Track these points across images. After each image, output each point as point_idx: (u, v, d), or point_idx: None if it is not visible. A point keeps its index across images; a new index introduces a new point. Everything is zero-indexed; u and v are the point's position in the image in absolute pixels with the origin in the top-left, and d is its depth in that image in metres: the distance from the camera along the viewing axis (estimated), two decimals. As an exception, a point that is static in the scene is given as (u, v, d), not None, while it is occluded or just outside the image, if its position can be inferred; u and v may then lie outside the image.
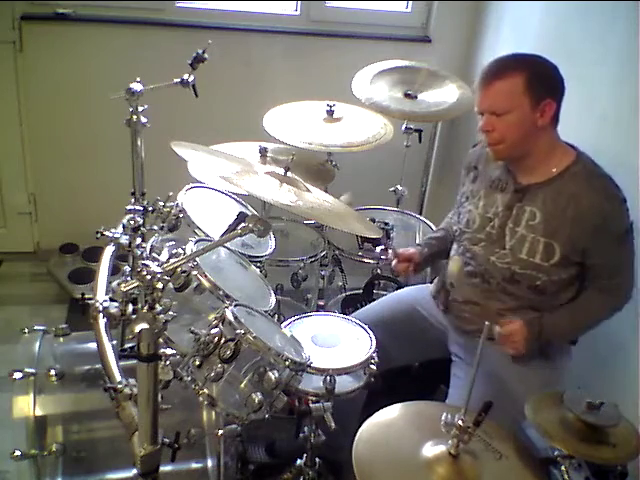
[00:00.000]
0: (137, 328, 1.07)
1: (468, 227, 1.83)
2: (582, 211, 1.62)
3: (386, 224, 2.40)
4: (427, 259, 2.02)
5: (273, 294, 1.69)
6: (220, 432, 1.47)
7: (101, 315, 1.33)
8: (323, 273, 2.41)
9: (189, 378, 1.35)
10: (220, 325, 1.36)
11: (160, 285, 1.07)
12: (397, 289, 2.24)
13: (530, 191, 1.71)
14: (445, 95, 2.47)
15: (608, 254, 1.67)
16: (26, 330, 1.64)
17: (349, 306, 2.41)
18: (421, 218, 2.64)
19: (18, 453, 1.42)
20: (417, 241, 2.47)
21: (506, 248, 1.73)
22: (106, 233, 1.68)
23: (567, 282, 1.72)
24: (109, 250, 1.73)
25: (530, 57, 1.70)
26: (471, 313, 1.81)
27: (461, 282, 1.83)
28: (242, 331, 1.33)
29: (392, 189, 2.63)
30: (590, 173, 1.67)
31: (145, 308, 1.08)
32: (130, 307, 1.28)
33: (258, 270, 1.80)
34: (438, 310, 1.94)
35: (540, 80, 1.63)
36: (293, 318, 1.77)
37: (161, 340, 1.14)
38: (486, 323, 1.16)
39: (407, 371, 2.06)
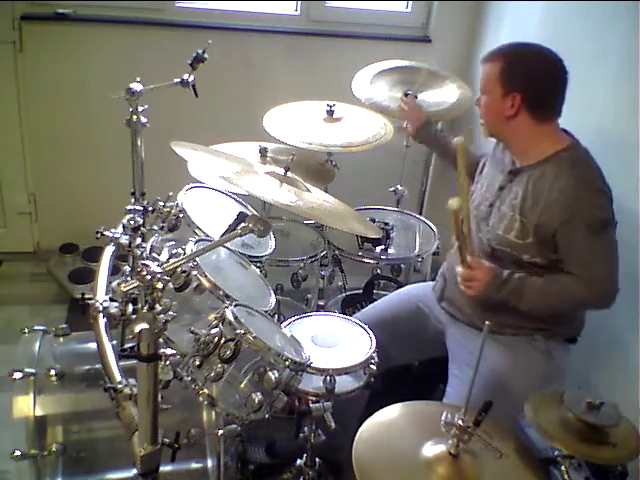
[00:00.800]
0: (137, 328, 1.07)
1: (472, 203, 1.89)
2: (556, 193, 1.65)
3: (386, 224, 2.39)
4: (428, 133, 2.27)
5: (273, 294, 1.69)
6: (220, 432, 1.47)
7: (101, 315, 1.34)
8: (323, 273, 2.41)
9: (189, 378, 1.35)
10: (220, 325, 1.36)
11: (160, 285, 1.07)
12: (397, 289, 2.24)
13: (520, 173, 1.77)
14: (445, 95, 2.47)
15: (578, 243, 1.66)
16: (26, 330, 1.64)
17: (349, 306, 2.41)
18: (421, 218, 2.63)
19: (18, 453, 1.42)
20: (417, 241, 2.47)
21: (489, 225, 1.80)
22: (106, 233, 1.68)
23: (547, 268, 1.72)
24: (109, 250, 1.73)
25: (519, 49, 1.76)
26: (462, 299, 1.83)
27: (455, 261, 1.84)
28: (242, 331, 1.33)
29: (392, 189, 2.63)
30: (576, 161, 1.70)
31: (145, 308, 1.08)
32: (130, 307, 1.28)
33: (258, 270, 1.80)
34: (437, 306, 1.95)
35: (511, 73, 1.71)
36: (293, 318, 1.77)
37: (161, 340, 1.14)
38: (486, 323, 1.16)
39: (407, 370, 2.06)
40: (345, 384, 1.58)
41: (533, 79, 1.71)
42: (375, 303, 2.11)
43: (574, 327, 1.86)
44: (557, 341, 1.82)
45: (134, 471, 1.20)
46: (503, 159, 1.87)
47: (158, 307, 1.08)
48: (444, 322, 1.94)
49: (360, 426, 1.30)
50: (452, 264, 1.87)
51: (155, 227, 1.73)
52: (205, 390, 1.35)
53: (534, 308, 1.74)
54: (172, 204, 1.73)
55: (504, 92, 1.71)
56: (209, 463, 1.56)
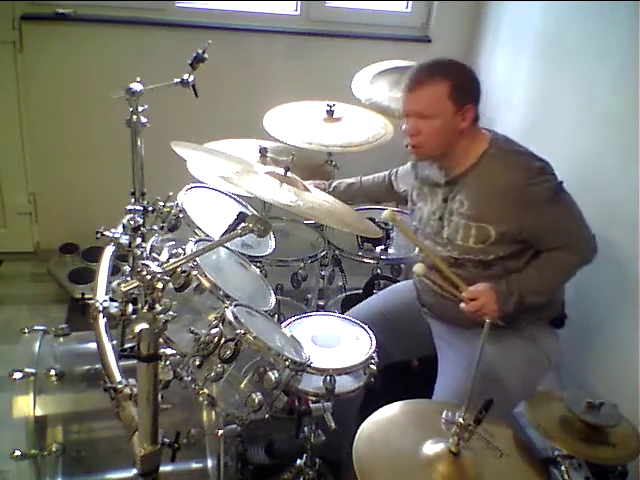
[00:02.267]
0: (137, 328, 1.07)
1: (420, 223, 1.92)
2: (501, 190, 1.68)
3: (386, 224, 2.39)
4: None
5: (273, 294, 1.69)
6: (220, 432, 1.47)
7: (101, 315, 1.34)
8: (323, 273, 2.41)
9: (189, 378, 1.35)
10: (220, 325, 1.36)
11: (160, 285, 1.07)
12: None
13: (457, 182, 1.79)
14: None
15: (544, 221, 1.70)
16: (26, 330, 1.64)
17: (349, 306, 2.40)
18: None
19: (18, 453, 1.42)
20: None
21: (444, 237, 1.81)
22: (106, 233, 1.68)
23: (512, 255, 1.74)
24: (109, 250, 1.73)
25: (452, 64, 1.76)
26: (436, 301, 1.87)
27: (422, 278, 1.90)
28: (242, 331, 1.33)
29: (392, 189, 2.63)
30: (504, 152, 1.73)
31: (145, 308, 1.08)
32: (130, 307, 1.28)
33: (258, 270, 1.80)
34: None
35: (462, 87, 1.71)
36: (293, 318, 1.77)
37: (161, 340, 1.14)
38: (487, 321, 1.16)
39: (405, 368, 2.06)
40: (345, 384, 1.58)
41: (478, 86, 1.74)
42: (367, 300, 2.12)
43: (554, 308, 1.86)
44: (541, 326, 1.83)
45: (134, 471, 1.19)
46: (432, 173, 1.88)
47: (158, 307, 1.08)
48: (428, 321, 1.96)
49: (358, 425, 1.30)
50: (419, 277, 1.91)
51: (155, 227, 1.73)
52: (205, 390, 1.34)
53: (542, 296, 1.76)
54: (172, 204, 1.73)
55: (456, 108, 1.69)
56: (209, 463, 1.56)
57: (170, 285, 1.38)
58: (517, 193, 1.66)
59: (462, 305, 1.72)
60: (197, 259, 1.46)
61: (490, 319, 1.66)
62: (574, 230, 1.74)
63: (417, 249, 1.82)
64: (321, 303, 2.44)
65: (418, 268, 1.74)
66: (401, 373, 2.01)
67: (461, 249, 1.76)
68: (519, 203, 1.67)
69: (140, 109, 1.72)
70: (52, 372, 1.53)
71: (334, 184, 2.24)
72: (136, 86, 1.69)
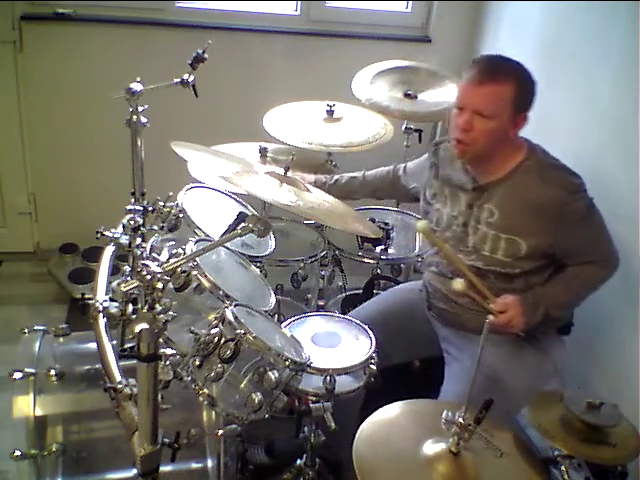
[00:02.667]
0: (137, 328, 1.07)
1: (438, 226, 1.86)
2: (538, 205, 1.65)
3: (386, 224, 2.39)
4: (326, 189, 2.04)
5: (273, 294, 1.69)
6: (220, 432, 1.47)
7: (101, 315, 1.34)
8: (323, 273, 2.41)
9: (189, 378, 1.35)
10: (220, 325, 1.36)
11: (160, 285, 1.07)
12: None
13: (487, 189, 1.74)
14: (445, 95, 2.47)
15: (577, 238, 1.69)
16: (26, 330, 1.64)
17: (349, 306, 2.41)
18: (421, 218, 2.63)
19: (18, 453, 1.42)
20: (417, 241, 2.47)
21: (469, 245, 1.76)
22: (106, 233, 1.68)
23: (538, 269, 1.73)
24: (109, 250, 1.73)
25: (521, 67, 1.69)
26: (448, 310, 1.85)
27: (437, 279, 1.87)
28: (242, 331, 1.33)
29: (392, 189, 2.63)
30: (541, 166, 1.70)
31: (145, 308, 1.08)
32: (130, 307, 1.29)
33: (258, 270, 1.80)
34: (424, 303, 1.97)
35: (525, 93, 1.66)
36: (293, 318, 1.77)
37: (161, 340, 1.14)
38: (486, 320, 1.16)
39: (406, 369, 2.06)
40: (345, 384, 1.58)
41: (535, 96, 1.68)
42: (368, 301, 2.11)
43: (565, 317, 1.86)
44: (550, 334, 1.82)
45: (134, 471, 1.19)
46: (456, 175, 1.82)
47: (158, 307, 1.08)
48: (435, 325, 1.95)
49: (358, 425, 1.30)
50: (433, 281, 1.89)
51: (155, 227, 1.73)
52: (205, 390, 1.34)
53: (567, 309, 1.78)
54: (172, 204, 1.73)
55: (513, 114, 1.63)
56: (209, 463, 1.56)
57: (170, 285, 1.38)
58: (554, 209, 1.64)
59: (490, 318, 1.68)
60: (197, 259, 1.46)
61: (516, 331, 1.68)
62: (603, 246, 1.74)
63: (447, 260, 1.75)
64: (321, 303, 2.44)
65: (457, 284, 1.59)
66: (401, 374, 2.00)
67: (487, 260, 1.73)
68: (555, 219, 1.64)
69: (140, 109, 1.71)
70: (52, 372, 1.53)
71: (336, 177, 2.22)
72: (136, 86, 1.69)
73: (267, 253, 1.90)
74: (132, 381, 1.25)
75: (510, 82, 1.62)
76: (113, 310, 1.31)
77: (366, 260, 2.32)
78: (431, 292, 1.92)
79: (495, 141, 1.67)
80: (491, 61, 1.69)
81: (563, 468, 1.36)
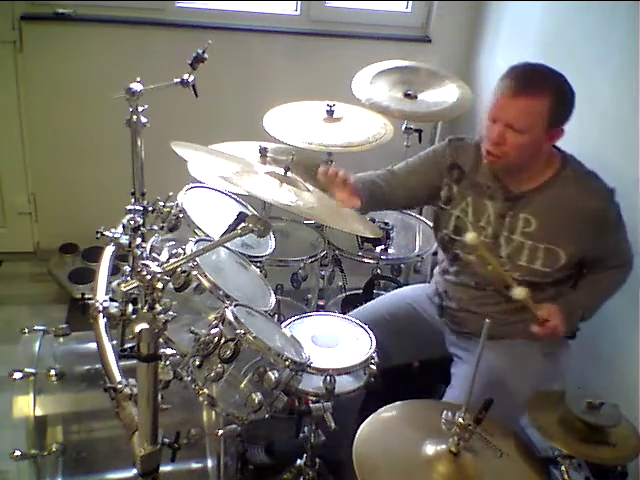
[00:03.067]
0: (137, 328, 1.07)
1: (458, 235, 1.80)
2: (581, 215, 1.65)
3: (386, 224, 2.39)
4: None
5: (273, 294, 1.69)
6: (220, 432, 1.47)
7: (101, 315, 1.34)
8: (323, 273, 2.41)
9: (189, 378, 1.35)
10: (220, 325, 1.36)
11: (160, 285, 1.07)
12: (397, 289, 2.24)
13: (522, 199, 1.71)
14: (445, 95, 2.47)
15: (609, 243, 1.72)
16: (26, 330, 1.64)
17: (349, 306, 2.41)
18: (421, 218, 2.63)
19: (18, 453, 1.42)
20: (417, 241, 2.48)
21: (503, 256, 1.72)
22: (106, 233, 1.68)
23: (568, 278, 1.75)
24: (109, 250, 1.73)
25: (560, 78, 1.62)
26: (466, 318, 1.83)
27: (456, 288, 1.85)
28: (242, 331, 1.33)
29: (392, 189, 2.63)
30: (579, 175, 1.70)
31: (145, 308, 1.08)
32: (130, 307, 1.29)
33: (258, 270, 1.80)
34: (433, 310, 1.95)
35: (562, 108, 1.60)
36: (293, 318, 1.77)
37: (161, 340, 1.14)
38: (486, 321, 1.16)
39: (406, 370, 2.06)
40: (345, 384, 1.58)
41: (573, 109, 1.63)
42: (369, 303, 2.10)
43: None
44: (557, 339, 1.82)
45: (134, 471, 1.19)
46: (484, 183, 1.77)
47: (158, 307, 1.08)
48: (444, 331, 1.93)
49: (358, 425, 1.30)
50: (452, 290, 1.85)
51: (155, 227, 1.73)
52: (205, 390, 1.34)
53: (595, 312, 1.79)
54: (172, 204, 1.73)
55: (548, 127, 1.59)
56: (209, 463, 1.56)
57: (170, 285, 1.38)
58: (595, 217, 1.65)
59: (534, 328, 1.66)
60: (197, 259, 1.46)
61: (557, 338, 1.69)
62: (627, 250, 1.78)
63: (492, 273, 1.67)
64: (321, 303, 2.44)
65: (520, 293, 1.59)
66: (401, 375, 2.00)
67: (524, 270, 1.70)
68: (595, 227, 1.66)
69: (140, 109, 1.72)
70: (52, 372, 1.53)
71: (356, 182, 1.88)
72: (136, 86, 1.69)
73: (267, 253, 1.90)
74: (132, 381, 1.25)
75: (545, 96, 1.56)
76: (113, 310, 1.31)
77: (366, 260, 2.32)
78: (447, 300, 1.88)
79: (527, 155, 1.64)
80: (526, 73, 1.61)
81: (563, 468, 1.36)
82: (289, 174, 1.48)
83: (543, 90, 1.56)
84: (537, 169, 1.70)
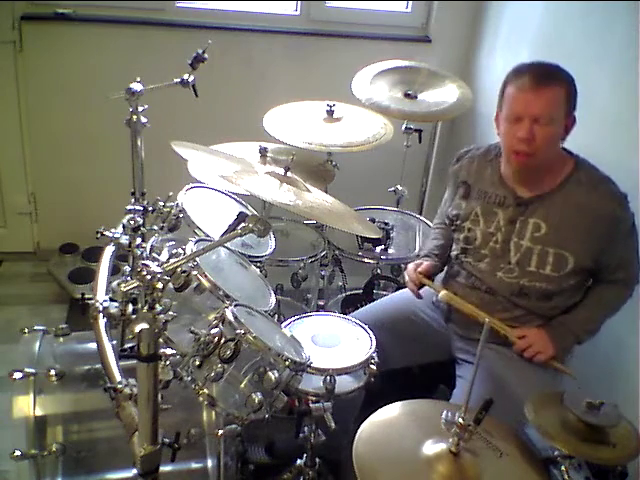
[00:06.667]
0: (137, 328, 1.07)
1: (469, 244, 1.81)
2: (594, 219, 1.64)
3: (386, 224, 2.40)
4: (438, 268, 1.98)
5: (273, 294, 1.69)
6: (220, 432, 1.47)
7: (101, 315, 1.34)
8: (323, 273, 2.41)
9: (189, 378, 1.35)
10: (220, 325, 1.36)
11: (160, 285, 1.07)
12: (397, 289, 2.23)
13: (533, 203, 1.71)
14: (445, 95, 2.47)
15: (620, 251, 1.70)
16: (26, 330, 1.64)
17: (349, 306, 2.41)
18: (421, 218, 2.64)
19: (18, 453, 1.41)
20: (417, 241, 2.47)
21: (512, 262, 1.72)
22: (106, 233, 1.68)
23: (575, 287, 1.73)
24: (109, 250, 1.73)
25: (564, 70, 1.67)
26: (475, 323, 1.80)
27: (462, 298, 1.83)
28: (242, 331, 1.33)
29: (392, 189, 2.63)
30: (592, 179, 1.68)
31: (145, 308, 1.08)
32: (130, 307, 1.29)
33: (258, 270, 1.80)
34: (435, 313, 1.94)
35: (574, 94, 1.65)
36: (293, 318, 1.77)
37: (161, 340, 1.14)
38: (486, 320, 1.16)
39: (407, 371, 2.05)
40: (345, 384, 1.58)
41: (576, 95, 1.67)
42: (371, 305, 2.09)
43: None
44: (547, 363, 1.81)
45: (134, 471, 1.19)
46: (492, 191, 1.78)
47: (158, 307, 1.08)
48: (449, 336, 1.91)
49: (358, 425, 1.30)
50: (465, 295, 1.83)
51: (155, 227, 1.73)
52: (205, 390, 1.34)
53: (595, 332, 1.78)
54: (172, 204, 1.73)
55: (566, 115, 1.63)
56: (209, 463, 1.56)
57: (170, 285, 1.38)
58: (608, 223, 1.64)
59: (515, 348, 1.71)
60: (197, 259, 1.46)
61: (546, 358, 1.69)
62: (634, 262, 1.74)
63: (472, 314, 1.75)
64: (321, 303, 2.44)
65: (444, 296, 1.71)
66: (401, 376, 2.00)
67: (532, 276, 1.70)
68: (607, 233, 1.64)
69: (140, 109, 1.72)
70: (52, 372, 1.53)
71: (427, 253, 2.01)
72: (136, 86, 1.69)
73: (267, 253, 1.90)
74: (132, 381, 1.25)
75: (562, 84, 1.61)
76: (113, 310, 1.31)
77: (366, 260, 2.33)
78: (453, 309, 1.85)
79: (554, 146, 1.66)
80: (538, 67, 1.66)
81: (563, 468, 1.36)
82: (289, 174, 1.49)
83: (558, 79, 1.62)
84: (552, 170, 1.69)
